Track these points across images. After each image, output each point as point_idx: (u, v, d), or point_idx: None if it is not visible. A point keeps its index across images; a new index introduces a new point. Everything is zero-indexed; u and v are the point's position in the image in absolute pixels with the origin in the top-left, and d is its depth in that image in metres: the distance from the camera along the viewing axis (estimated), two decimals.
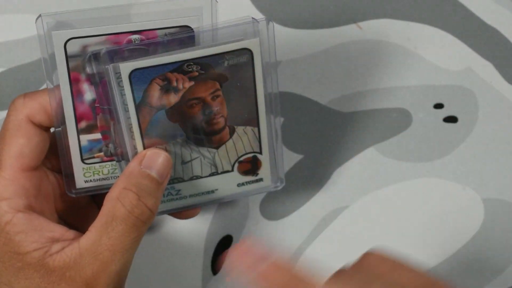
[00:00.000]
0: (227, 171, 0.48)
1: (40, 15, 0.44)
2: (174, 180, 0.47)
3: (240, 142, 0.48)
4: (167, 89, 0.45)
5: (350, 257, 0.40)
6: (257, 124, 0.47)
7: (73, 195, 0.47)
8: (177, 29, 0.46)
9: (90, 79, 0.45)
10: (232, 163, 0.48)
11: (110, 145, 0.47)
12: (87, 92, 0.46)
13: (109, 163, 0.48)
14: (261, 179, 0.49)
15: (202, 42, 0.45)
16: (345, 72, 0.56)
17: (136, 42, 0.46)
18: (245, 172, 0.48)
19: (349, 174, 0.55)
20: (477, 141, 0.55)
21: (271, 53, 0.46)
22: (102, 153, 0.47)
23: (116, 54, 0.44)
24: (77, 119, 0.46)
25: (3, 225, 0.43)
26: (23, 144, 0.44)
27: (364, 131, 0.56)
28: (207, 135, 0.47)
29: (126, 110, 0.45)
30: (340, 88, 0.56)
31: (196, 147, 0.47)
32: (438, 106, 0.56)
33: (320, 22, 0.57)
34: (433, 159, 0.55)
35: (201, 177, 0.48)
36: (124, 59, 0.44)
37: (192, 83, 0.45)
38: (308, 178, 0.55)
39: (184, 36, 0.46)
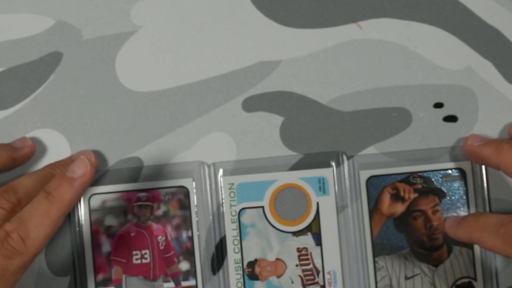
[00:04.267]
0: None
1: None
2: None
3: (456, 263, 0.48)
4: (396, 198, 0.49)
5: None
6: (471, 246, 0.49)
7: None
8: (176, 189, 0.52)
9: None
10: (450, 286, 0.48)
11: None
12: (104, 245, 0.51)
13: None
14: None
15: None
16: (345, 72, 0.56)
17: (143, 198, 0.51)
18: None
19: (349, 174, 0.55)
20: None
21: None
22: None
23: None
24: (96, 272, 0.51)
25: None
26: None
27: (364, 130, 0.56)
28: (427, 250, 0.49)
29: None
30: (340, 88, 0.56)
31: (418, 262, 0.49)
32: (438, 105, 0.56)
33: (320, 22, 0.57)
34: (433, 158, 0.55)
35: None
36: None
37: (416, 195, 0.49)
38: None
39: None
